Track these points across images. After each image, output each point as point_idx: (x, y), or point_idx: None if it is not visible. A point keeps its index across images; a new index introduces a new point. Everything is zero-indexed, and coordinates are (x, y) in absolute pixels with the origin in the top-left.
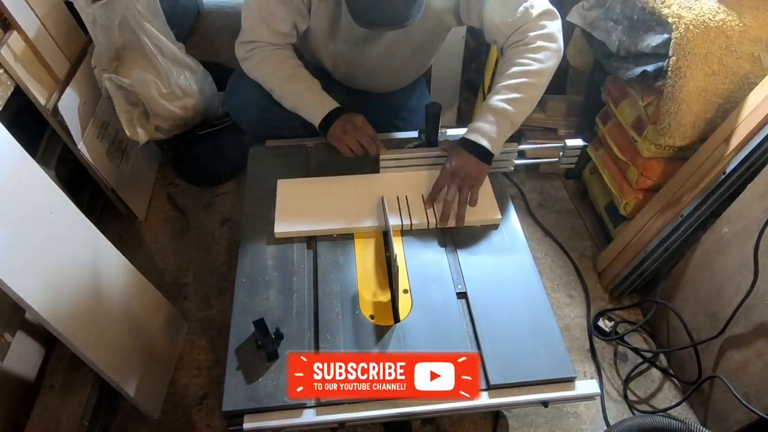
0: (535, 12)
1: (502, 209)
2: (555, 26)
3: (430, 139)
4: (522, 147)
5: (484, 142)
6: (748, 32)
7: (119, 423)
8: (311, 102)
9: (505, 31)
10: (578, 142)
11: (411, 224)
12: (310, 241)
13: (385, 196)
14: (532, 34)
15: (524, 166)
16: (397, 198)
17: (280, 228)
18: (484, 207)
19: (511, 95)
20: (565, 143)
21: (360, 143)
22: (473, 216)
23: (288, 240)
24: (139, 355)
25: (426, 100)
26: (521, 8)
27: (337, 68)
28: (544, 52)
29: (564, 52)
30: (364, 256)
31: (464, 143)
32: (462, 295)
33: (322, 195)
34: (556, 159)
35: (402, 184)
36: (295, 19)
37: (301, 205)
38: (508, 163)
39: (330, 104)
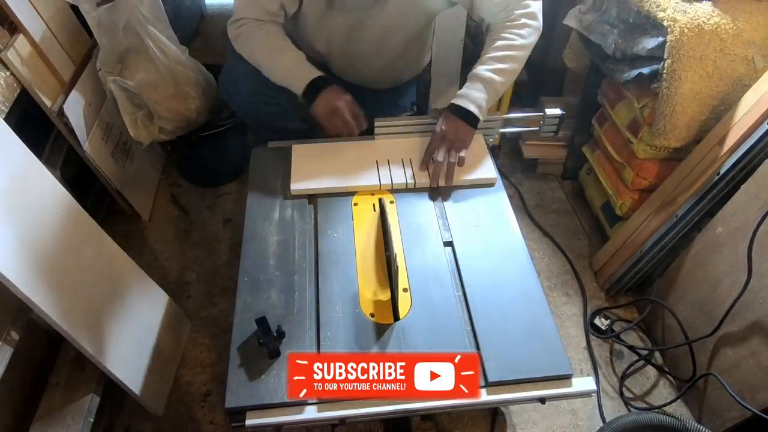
0: None
1: (502, 209)
2: (537, 6)
3: (421, 109)
4: (506, 116)
5: (472, 108)
6: (742, 35)
7: (123, 420)
8: (295, 71)
9: (493, 9)
10: (557, 111)
11: (407, 183)
12: (311, 239)
13: (379, 160)
14: (516, 12)
15: (521, 167)
16: (388, 161)
17: (295, 186)
18: (480, 167)
19: (497, 66)
20: (544, 111)
21: (347, 122)
22: (470, 175)
23: (290, 240)
24: (143, 352)
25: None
26: None
27: (333, 54)
28: (526, 29)
29: (561, 54)
30: (364, 256)
31: (453, 108)
32: (461, 295)
33: (327, 158)
34: (537, 128)
35: (398, 149)
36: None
37: (312, 167)
38: (493, 130)
39: (313, 72)
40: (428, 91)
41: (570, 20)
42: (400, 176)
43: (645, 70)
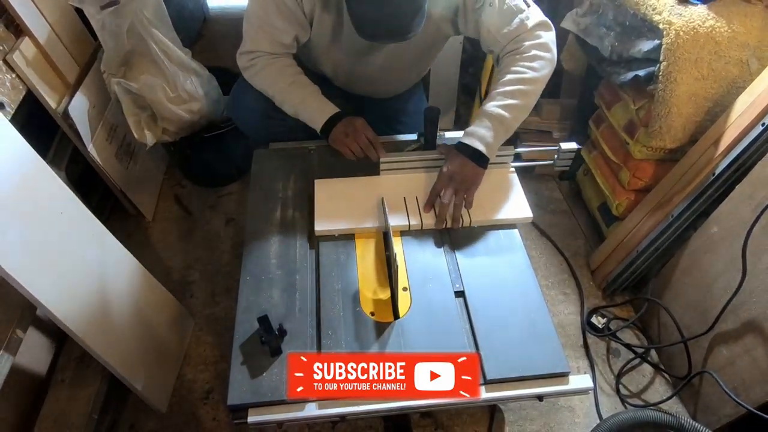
0: (530, 23)
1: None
2: (549, 37)
3: (428, 142)
4: (518, 150)
5: (480, 147)
6: (737, 38)
7: (127, 416)
8: (312, 108)
9: (501, 41)
10: (572, 145)
11: (409, 225)
12: (312, 240)
13: (386, 197)
14: (527, 43)
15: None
16: (403, 198)
17: (320, 227)
18: (515, 205)
19: (507, 101)
20: (559, 146)
21: (361, 147)
22: (504, 215)
23: (291, 240)
24: (146, 350)
25: (424, 103)
26: (517, 19)
27: (338, 76)
28: (538, 61)
29: (558, 57)
30: (364, 255)
31: (461, 147)
32: (460, 293)
33: (349, 196)
34: (551, 162)
35: (403, 185)
36: (297, 31)
37: (336, 206)
38: (505, 166)
39: (331, 109)
40: (436, 122)
41: (567, 23)
42: (405, 219)
43: (641, 73)
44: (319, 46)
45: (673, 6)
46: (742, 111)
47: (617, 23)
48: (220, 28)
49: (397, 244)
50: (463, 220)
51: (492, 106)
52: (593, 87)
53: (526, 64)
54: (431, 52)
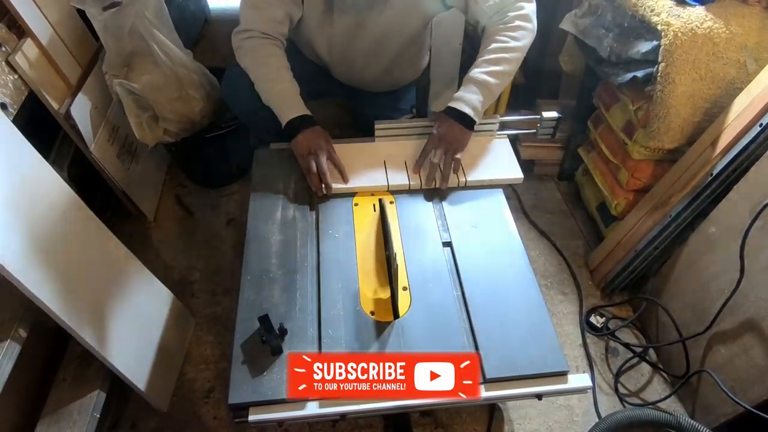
0: None
1: (500, 210)
2: (531, 8)
3: (420, 112)
4: (503, 118)
5: (468, 110)
6: (735, 39)
7: (129, 415)
8: (283, 102)
9: (488, 11)
10: (553, 114)
11: (409, 185)
12: (313, 238)
13: (385, 159)
14: (511, 14)
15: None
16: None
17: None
18: (505, 166)
19: (491, 68)
20: (541, 115)
21: (318, 171)
22: (496, 175)
23: (291, 240)
24: (148, 350)
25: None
26: None
27: (333, 58)
28: (520, 31)
29: (557, 58)
30: (365, 255)
31: (449, 111)
32: (459, 293)
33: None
34: (534, 130)
35: (399, 151)
36: (289, 7)
37: (348, 166)
38: (491, 133)
39: (300, 109)
40: (427, 94)
41: (566, 24)
42: (402, 178)
43: (639, 74)
44: (312, 22)
45: (671, 7)
46: (739, 112)
47: (616, 24)
48: (221, 29)
49: (397, 243)
50: (459, 181)
51: (478, 72)
52: (592, 88)
53: (510, 33)
54: (420, 32)
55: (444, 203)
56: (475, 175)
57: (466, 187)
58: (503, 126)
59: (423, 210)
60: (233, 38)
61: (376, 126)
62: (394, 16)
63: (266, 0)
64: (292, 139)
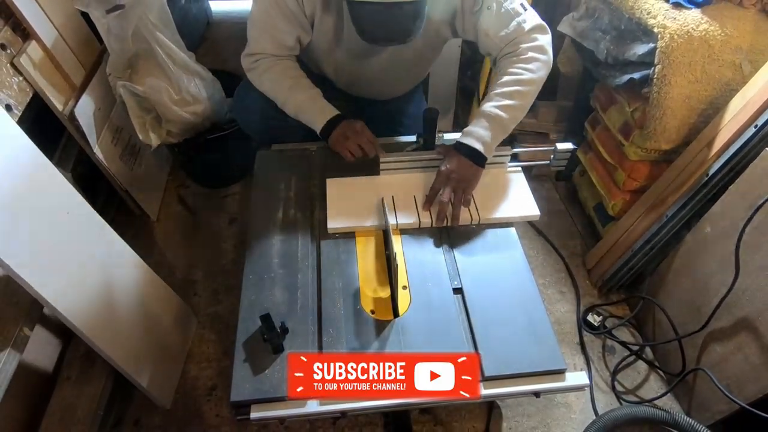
0: (527, 26)
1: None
2: (545, 39)
3: (427, 142)
4: (515, 150)
5: (478, 146)
6: (730, 41)
7: (132, 413)
8: (313, 110)
9: (499, 43)
10: (568, 145)
11: (419, 222)
12: (314, 239)
13: (391, 195)
14: (524, 46)
15: None
16: (410, 197)
17: (332, 225)
18: (520, 203)
19: (504, 102)
20: (555, 147)
21: (360, 147)
22: (512, 213)
23: (293, 239)
24: (151, 348)
25: (423, 106)
26: (514, 23)
27: (340, 78)
28: (535, 63)
29: (555, 60)
30: (365, 255)
31: (459, 147)
32: (458, 291)
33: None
34: (548, 162)
35: (405, 185)
36: (299, 33)
37: (346, 204)
38: (502, 166)
39: (331, 112)
40: (435, 123)
41: (564, 27)
42: (410, 216)
43: (636, 75)
44: (320, 48)
45: (667, 10)
46: (735, 113)
47: (613, 27)
48: (224, 32)
49: (397, 243)
50: (472, 218)
51: (490, 106)
52: (589, 89)
53: (523, 66)
54: (430, 55)
55: None
56: (489, 213)
57: (479, 226)
58: (514, 158)
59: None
60: (243, 60)
61: (381, 159)
62: (404, 45)
63: (276, 27)
64: (328, 140)
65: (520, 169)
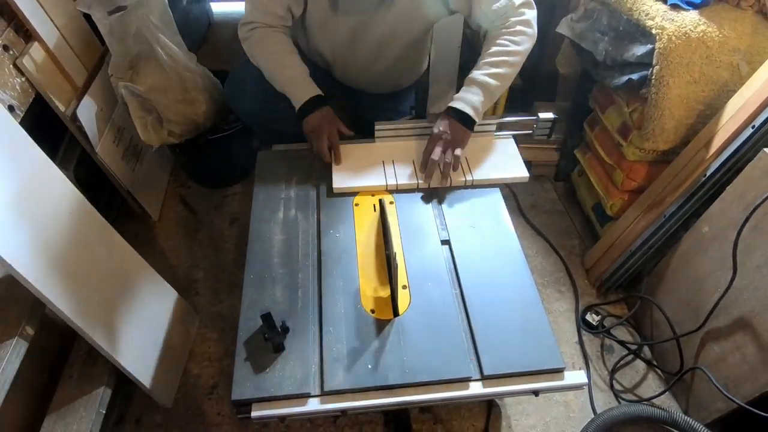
0: (517, 1)
1: (497, 209)
2: (532, 14)
3: (419, 112)
4: (500, 120)
5: (469, 110)
6: (727, 43)
7: (134, 411)
8: (295, 87)
9: (491, 16)
10: (549, 115)
11: (397, 184)
12: (314, 238)
13: (385, 161)
14: (513, 19)
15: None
16: (393, 162)
17: (337, 184)
18: (511, 166)
19: (492, 70)
20: (538, 116)
21: (319, 149)
22: (503, 174)
23: (293, 239)
24: (152, 347)
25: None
26: None
27: (336, 59)
28: (521, 36)
29: (554, 61)
30: (365, 254)
31: (450, 111)
32: (458, 291)
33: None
34: (531, 131)
35: (402, 151)
36: (290, 2)
37: (350, 166)
38: (489, 133)
39: (312, 90)
40: (426, 96)
41: (562, 28)
42: (407, 177)
43: (634, 76)
44: (315, 23)
45: (665, 11)
46: (732, 114)
47: (611, 28)
48: (224, 33)
49: (397, 243)
50: (465, 180)
51: (479, 74)
52: (588, 90)
53: (510, 38)
54: (424, 35)
55: (443, 204)
56: (481, 174)
57: (473, 185)
58: (501, 127)
59: (422, 209)
60: (239, 30)
61: (376, 127)
62: (397, 20)
63: None
64: (302, 120)
65: (511, 137)
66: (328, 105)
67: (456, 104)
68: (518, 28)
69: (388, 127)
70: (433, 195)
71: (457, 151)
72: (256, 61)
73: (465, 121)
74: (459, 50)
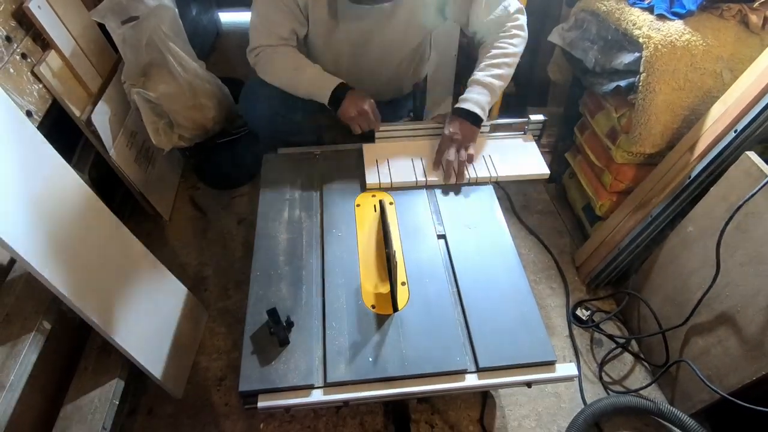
0: (511, 9)
1: (492, 210)
2: (524, 19)
3: (417, 114)
4: (494, 122)
5: (477, 110)
6: (711, 51)
7: (146, 402)
8: (317, 84)
9: (489, 25)
10: (540, 117)
11: (426, 180)
12: (317, 237)
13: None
14: (508, 24)
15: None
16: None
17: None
18: (532, 163)
19: (494, 71)
20: (529, 117)
21: (370, 123)
22: (524, 171)
23: (298, 238)
24: (164, 340)
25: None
26: (501, 7)
27: (340, 72)
28: (516, 39)
29: (546, 68)
30: (366, 252)
31: (459, 112)
32: (454, 288)
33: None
34: (522, 132)
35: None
36: (293, 25)
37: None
38: (483, 134)
39: (334, 81)
40: (423, 98)
41: (554, 37)
42: (433, 175)
43: (622, 83)
44: (318, 36)
45: (652, 21)
46: (716, 119)
47: (600, 37)
48: (232, 42)
49: (396, 242)
50: (490, 176)
51: (482, 75)
52: (578, 96)
53: (509, 41)
54: (423, 43)
55: (440, 204)
56: (505, 171)
57: (498, 181)
58: (494, 129)
59: (420, 209)
60: (248, 57)
61: (377, 129)
62: (397, 30)
63: (271, 20)
64: (338, 111)
65: (532, 138)
66: (355, 89)
67: (464, 105)
68: (513, 31)
69: (388, 129)
70: (432, 195)
71: (470, 150)
72: (272, 79)
73: (473, 120)
74: (455, 58)
